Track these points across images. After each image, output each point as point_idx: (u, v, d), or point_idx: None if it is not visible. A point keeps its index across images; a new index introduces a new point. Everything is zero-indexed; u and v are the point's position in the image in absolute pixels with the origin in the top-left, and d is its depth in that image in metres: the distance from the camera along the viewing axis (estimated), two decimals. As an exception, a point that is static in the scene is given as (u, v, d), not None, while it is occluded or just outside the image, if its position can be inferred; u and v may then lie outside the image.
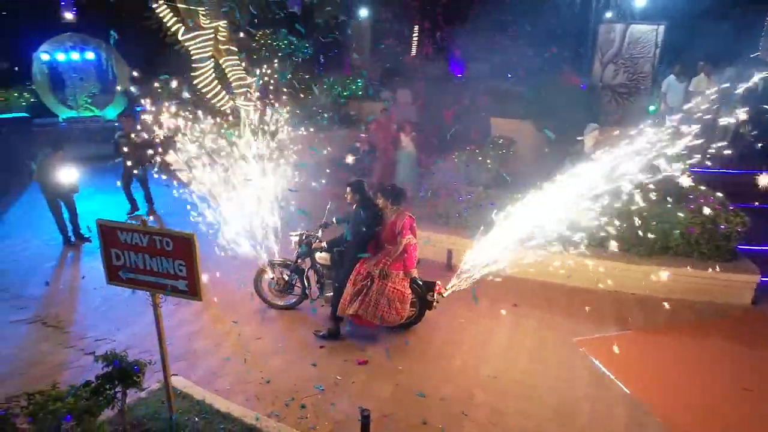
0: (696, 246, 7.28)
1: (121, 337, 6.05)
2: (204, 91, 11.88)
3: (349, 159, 9.52)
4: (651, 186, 6.93)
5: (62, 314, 6.59)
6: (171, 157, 7.17)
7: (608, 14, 13.20)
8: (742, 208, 7.43)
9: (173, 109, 7.93)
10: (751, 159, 9.96)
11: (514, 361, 5.74)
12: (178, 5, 11.33)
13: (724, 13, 12.93)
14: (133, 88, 14.45)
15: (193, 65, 11.68)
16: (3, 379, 5.25)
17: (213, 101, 12.06)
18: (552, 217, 6.44)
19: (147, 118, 8.65)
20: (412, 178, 10.16)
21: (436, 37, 17.77)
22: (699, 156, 6.96)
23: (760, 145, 9.74)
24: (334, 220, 6.56)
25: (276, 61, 14.14)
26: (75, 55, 14.88)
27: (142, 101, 9.20)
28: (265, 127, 7.94)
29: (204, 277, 4.09)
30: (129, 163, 9.34)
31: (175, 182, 7.06)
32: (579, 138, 8.27)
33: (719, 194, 7.69)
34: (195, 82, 11.81)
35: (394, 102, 14.43)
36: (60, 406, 3.57)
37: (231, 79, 12.32)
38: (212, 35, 11.71)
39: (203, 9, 11.35)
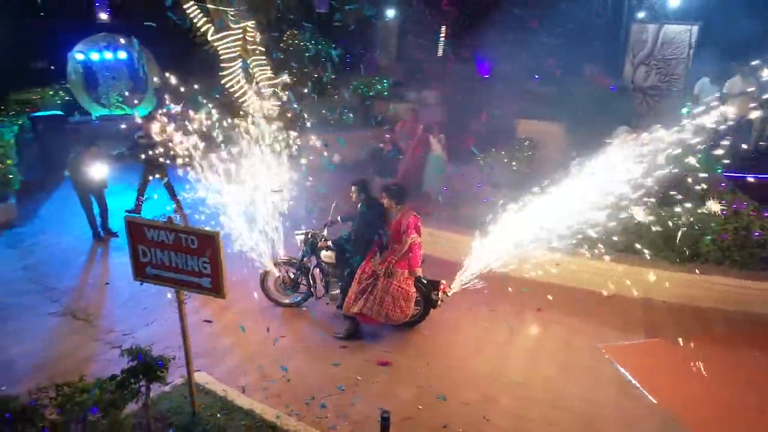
0: (728, 253, 7.06)
1: (147, 332, 6.16)
2: (231, 91, 12.02)
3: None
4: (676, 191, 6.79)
5: (91, 308, 6.75)
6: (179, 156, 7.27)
7: (641, 14, 12.91)
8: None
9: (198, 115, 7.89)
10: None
11: (539, 367, 5.65)
12: (208, 5, 11.51)
13: (762, 13, 12.53)
14: (162, 90, 14.74)
15: (222, 65, 11.83)
16: (34, 371, 5.40)
17: (240, 101, 12.20)
18: (574, 219, 6.35)
19: (162, 119, 8.68)
20: (437, 181, 10.07)
21: (463, 37, 17.65)
22: (731, 159, 6.78)
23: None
24: (339, 218, 6.60)
25: (303, 61, 14.24)
26: (108, 55, 15.22)
27: (168, 101, 9.25)
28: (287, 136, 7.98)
29: (228, 276, 4.13)
30: (148, 165, 9.13)
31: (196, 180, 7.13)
32: (607, 141, 8.10)
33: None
34: (223, 81, 11.97)
35: (420, 102, 14.38)
36: (86, 398, 3.65)
37: (258, 80, 12.45)
38: (241, 35, 11.85)
39: (232, 9, 11.50)
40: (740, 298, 6.78)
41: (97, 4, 16.10)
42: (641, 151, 6.21)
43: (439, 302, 6.14)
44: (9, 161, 9.75)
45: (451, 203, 8.82)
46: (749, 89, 9.84)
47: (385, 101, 15.03)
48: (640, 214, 6.89)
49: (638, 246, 7.18)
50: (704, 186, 7.39)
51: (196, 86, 10.59)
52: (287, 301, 6.80)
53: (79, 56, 14.87)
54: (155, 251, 4.19)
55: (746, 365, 5.80)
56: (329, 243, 6.39)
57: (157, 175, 9.21)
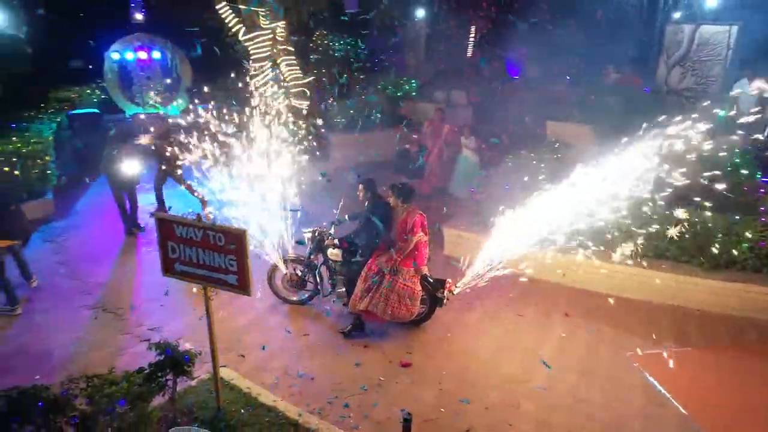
0: (767, 261, 6.81)
1: (175, 326, 6.28)
2: (261, 90, 12.17)
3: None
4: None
5: (121, 302, 6.92)
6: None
7: (676, 15, 12.60)
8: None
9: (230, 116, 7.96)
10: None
11: (564, 372, 5.55)
12: (240, 6, 11.68)
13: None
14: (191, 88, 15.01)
15: (252, 65, 11.99)
16: (67, 361, 5.57)
17: (269, 100, 12.33)
18: (602, 221, 6.22)
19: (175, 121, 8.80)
20: (467, 183, 9.97)
21: (493, 38, 17.49)
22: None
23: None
24: (346, 217, 6.65)
25: (331, 61, 14.33)
26: (143, 55, 15.57)
27: (197, 101, 9.37)
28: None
29: (254, 273, 4.18)
30: (163, 167, 9.27)
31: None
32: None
33: None
34: (252, 81, 12.12)
35: (448, 103, 14.31)
36: (115, 390, 3.74)
37: (287, 79, 12.58)
38: (271, 36, 11.99)
39: (263, 10, 11.65)
40: (778, 307, 6.55)
41: (132, 5, 16.49)
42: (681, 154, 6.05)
43: (445, 301, 6.17)
44: (47, 158, 10.07)
45: (476, 204, 8.74)
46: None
47: (412, 101, 15.02)
48: (680, 217, 6.70)
49: (670, 252, 7.01)
50: (744, 192, 7.18)
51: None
52: (294, 298, 6.87)
53: (115, 56, 15.26)
54: (184, 248, 4.27)
55: (782, 378, 5.60)
56: (336, 241, 6.47)
57: (171, 175, 9.33)
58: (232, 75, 12.04)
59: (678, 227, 6.80)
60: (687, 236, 6.89)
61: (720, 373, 5.64)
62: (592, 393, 5.22)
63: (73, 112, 13.32)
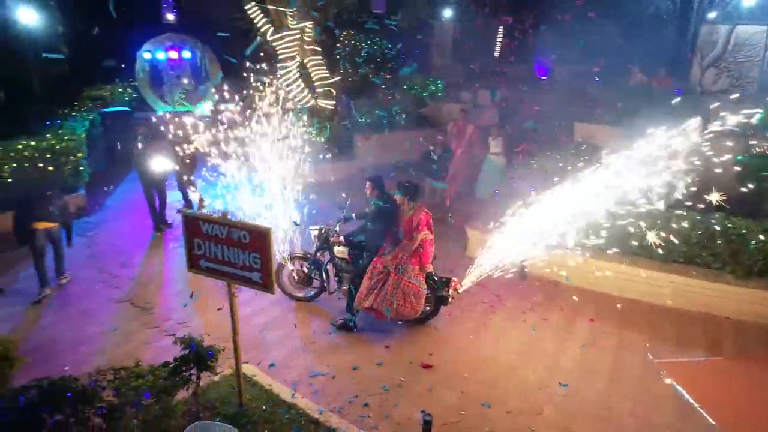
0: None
1: (200, 322, 6.37)
2: (288, 89, 12.28)
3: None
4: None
5: (149, 296, 7.06)
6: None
7: (711, 14, 12.27)
8: None
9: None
10: None
11: (589, 379, 5.45)
12: (269, 6, 11.81)
13: None
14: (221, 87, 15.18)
15: (279, 64, 12.11)
16: (96, 353, 5.70)
17: (296, 99, 12.43)
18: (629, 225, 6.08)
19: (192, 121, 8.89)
20: (492, 185, 9.88)
21: (520, 38, 17.33)
22: None
23: None
24: (353, 214, 6.68)
25: (358, 61, 14.38)
26: (173, 54, 15.85)
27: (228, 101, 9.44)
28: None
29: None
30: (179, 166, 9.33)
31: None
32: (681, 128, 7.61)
33: None
34: (280, 80, 12.23)
35: (474, 104, 14.21)
36: (141, 382, 3.82)
37: (314, 79, 12.66)
38: (299, 35, 12.09)
39: (291, 10, 11.76)
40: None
41: (164, 6, 16.83)
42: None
43: (450, 299, 6.18)
44: (80, 154, 10.33)
45: (499, 205, 8.65)
46: None
47: (437, 102, 14.97)
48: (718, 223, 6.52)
49: (701, 258, 6.83)
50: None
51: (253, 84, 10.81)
52: (301, 294, 6.92)
53: (147, 55, 15.56)
54: (209, 245, 4.33)
55: (819, 391, 5.39)
56: (342, 238, 6.51)
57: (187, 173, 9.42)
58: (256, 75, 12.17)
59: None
60: (720, 242, 6.70)
61: (751, 384, 5.46)
62: (618, 401, 5.12)
63: (106, 110, 13.65)
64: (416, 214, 5.99)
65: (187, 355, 4.13)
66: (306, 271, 6.78)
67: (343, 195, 6.85)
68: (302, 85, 12.42)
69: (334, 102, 12.82)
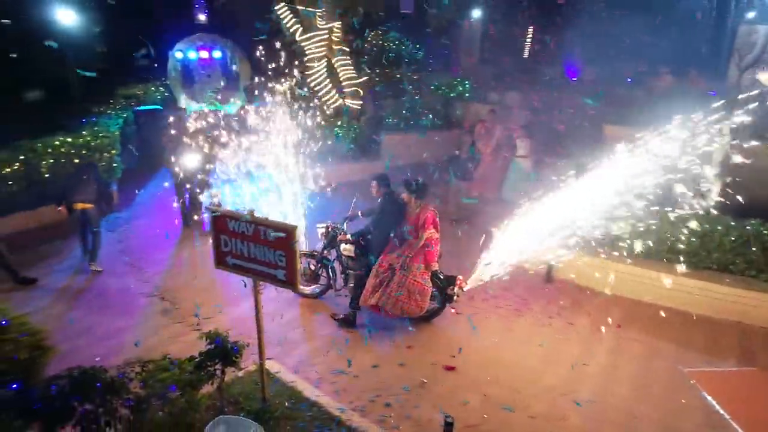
0: None
1: (225, 318, 6.46)
2: (316, 89, 12.37)
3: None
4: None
5: (177, 291, 7.19)
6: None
7: (750, 14, 11.89)
8: None
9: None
10: None
11: (614, 386, 5.34)
12: (298, 7, 11.92)
13: None
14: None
15: (307, 64, 12.21)
16: (124, 345, 5.83)
17: (323, 99, 12.52)
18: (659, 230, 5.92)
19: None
20: (517, 190, 9.75)
21: (550, 39, 17.09)
22: None
23: None
24: (359, 212, 6.72)
25: (384, 61, 14.38)
26: (204, 54, 16.12)
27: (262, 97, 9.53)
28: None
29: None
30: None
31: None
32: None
33: None
34: (308, 80, 12.33)
35: (502, 105, 14.06)
36: (167, 376, 3.89)
37: (341, 79, 12.73)
38: (327, 36, 12.17)
39: (320, 11, 11.85)
40: None
41: (196, 6, 17.14)
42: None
43: (455, 297, 6.20)
44: (113, 151, 10.60)
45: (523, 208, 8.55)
46: None
47: (465, 103, 14.87)
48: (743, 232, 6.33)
49: (735, 265, 6.63)
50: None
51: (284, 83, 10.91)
52: (308, 291, 6.98)
53: (178, 54, 15.85)
54: (236, 242, 4.39)
55: None
56: (348, 236, 6.55)
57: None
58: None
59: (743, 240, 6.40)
60: (755, 249, 6.49)
61: (787, 396, 5.28)
62: (645, 410, 5.00)
63: (139, 108, 13.97)
64: (422, 213, 6.06)
65: (212, 350, 4.20)
66: (313, 268, 6.85)
67: (356, 195, 6.94)
68: (330, 84, 12.51)
69: (361, 102, 12.86)
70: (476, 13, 17.79)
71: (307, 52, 12.20)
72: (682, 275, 6.64)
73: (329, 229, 6.70)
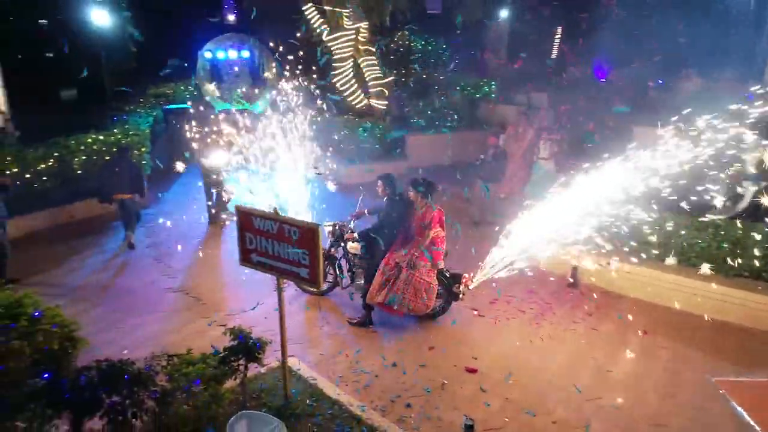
0: None
1: (249, 314, 6.54)
2: (342, 89, 12.44)
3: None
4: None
5: (202, 287, 7.32)
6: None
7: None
8: None
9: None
10: None
11: (641, 394, 5.23)
12: (325, 8, 12.01)
13: None
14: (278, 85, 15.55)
15: (334, 64, 12.29)
16: (151, 338, 5.96)
17: (349, 99, 12.59)
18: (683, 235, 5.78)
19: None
20: (540, 192, 9.63)
21: (580, 39, 16.84)
22: None
23: None
24: (366, 211, 6.76)
25: (410, 61, 14.39)
26: (233, 54, 16.35)
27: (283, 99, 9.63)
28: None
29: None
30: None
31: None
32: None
33: None
34: (334, 80, 12.41)
35: (528, 106, 13.91)
36: (192, 370, 3.96)
37: (367, 79, 12.77)
38: (354, 36, 12.22)
39: (347, 11, 11.91)
40: None
41: (225, 7, 17.41)
42: None
43: (461, 295, 6.21)
44: (144, 149, 10.83)
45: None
46: None
47: (491, 103, 14.76)
48: None
49: (767, 272, 6.44)
50: None
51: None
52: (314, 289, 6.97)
53: (207, 54, 16.12)
54: (260, 239, 4.45)
55: None
56: (355, 234, 6.58)
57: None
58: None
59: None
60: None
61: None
62: (672, 418, 4.88)
63: (168, 107, 14.26)
64: (428, 211, 6.09)
65: (236, 346, 4.26)
66: None
67: (363, 192, 7.02)
68: (356, 85, 12.56)
69: (386, 102, 12.88)
70: (503, 13, 17.64)
71: (334, 52, 12.28)
72: (713, 282, 6.48)
73: (336, 228, 6.78)
